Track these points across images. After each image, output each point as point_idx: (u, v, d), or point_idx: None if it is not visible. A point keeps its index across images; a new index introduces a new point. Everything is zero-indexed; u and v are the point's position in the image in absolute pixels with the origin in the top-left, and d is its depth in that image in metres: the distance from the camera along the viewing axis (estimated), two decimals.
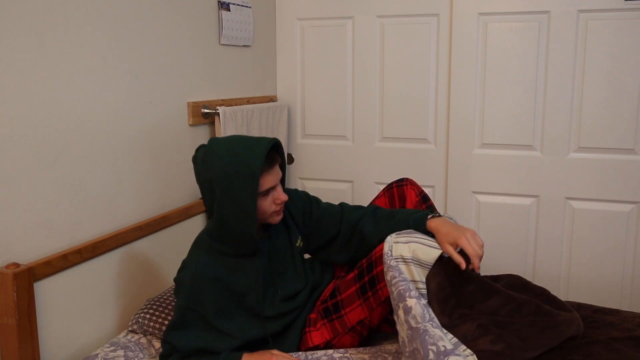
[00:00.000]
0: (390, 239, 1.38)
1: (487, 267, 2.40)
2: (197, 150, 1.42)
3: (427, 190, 2.44)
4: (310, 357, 1.41)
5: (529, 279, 2.32)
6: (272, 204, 1.40)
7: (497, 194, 2.35)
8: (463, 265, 1.33)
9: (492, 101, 2.29)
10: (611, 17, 2.09)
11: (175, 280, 1.41)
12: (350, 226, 1.57)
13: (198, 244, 1.45)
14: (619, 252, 2.21)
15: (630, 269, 2.21)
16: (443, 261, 1.37)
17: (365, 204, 2.53)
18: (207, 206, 1.41)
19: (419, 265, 1.35)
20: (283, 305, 1.47)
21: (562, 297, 2.29)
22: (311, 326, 1.51)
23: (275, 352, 1.36)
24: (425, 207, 1.65)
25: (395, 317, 1.32)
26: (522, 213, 2.32)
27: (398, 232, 1.41)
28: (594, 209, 2.23)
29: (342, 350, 1.44)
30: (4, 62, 1.29)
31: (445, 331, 1.26)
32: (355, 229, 1.56)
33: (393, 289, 1.30)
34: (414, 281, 1.34)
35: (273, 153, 1.38)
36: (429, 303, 1.33)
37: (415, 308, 1.24)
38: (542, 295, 1.45)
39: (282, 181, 1.49)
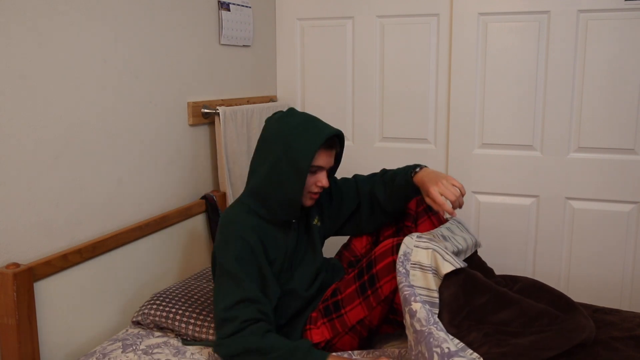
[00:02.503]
0: (410, 242, 1.37)
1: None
2: (275, 113, 1.55)
3: None
4: None
5: None
6: (313, 185, 1.49)
7: (497, 194, 2.35)
8: (445, 207, 1.44)
9: (492, 101, 2.29)
10: (611, 17, 2.09)
11: (220, 233, 1.46)
12: (368, 197, 1.69)
13: (236, 205, 1.53)
14: (619, 252, 2.21)
15: (630, 268, 2.21)
16: (458, 274, 1.35)
17: None
18: (257, 164, 1.52)
19: (436, 274, 1.34)
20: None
21: None
22: (312, 324, 1.51)
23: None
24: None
25: (404, 322, 1.31)
26: (522, 213, 2.32)
27: (419, 235, 1.40)
28: (594, 209, 2.23)
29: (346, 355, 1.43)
30: (4, 62, 1.29)
31: (450, 336, 1.24)
32: (372, 198, 1.68)
33: (400, 294, 1.30)
34: (429, 289, 1.32)
35: (334, 141, 1.51)
36: (440, 313, 1.31)
37: (420, 312, 1.23)
38: (560, 298, 1.43)
39: (332, 173, 1.63)
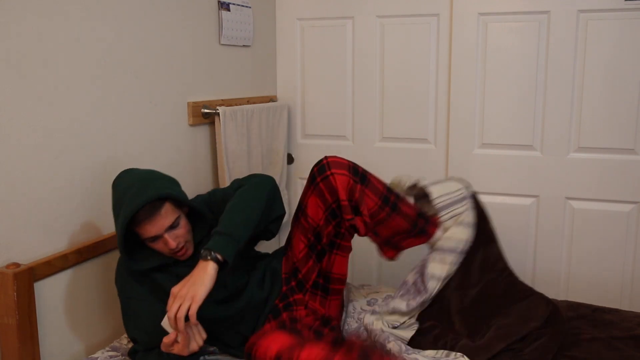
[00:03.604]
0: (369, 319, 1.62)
1: None
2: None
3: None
4: None
5: (529, 278, 2.32)
6: (164, 248, 1.37)
7: (497, 194, 2.35)
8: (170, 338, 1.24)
9: (492, 101, 2.29)
10: (611, 17, 2.09)
11: None
12: None
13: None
14: (618, 251, 2.21)
15: (630, 268, 2.21)
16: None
17: None
18: None
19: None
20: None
21: (562, 296, 2.29)
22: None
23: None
24: (359, 190, 1.50)
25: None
26: (522, 213, 2.32)
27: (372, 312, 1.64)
28: (594, 209, 2.23)
29: None
30: (4, 62, 1.29)
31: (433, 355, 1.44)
32: None
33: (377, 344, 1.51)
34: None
35: (159, 203, 1.33)
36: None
37: (393, 347, 1.45)
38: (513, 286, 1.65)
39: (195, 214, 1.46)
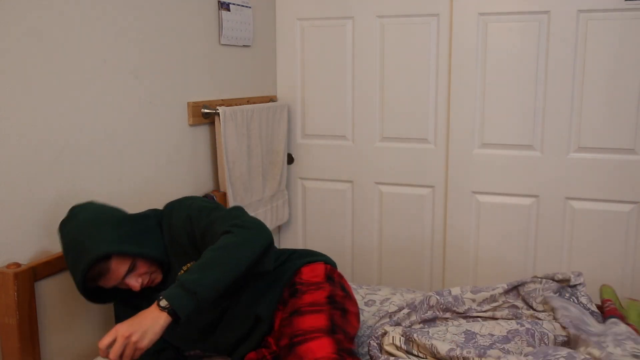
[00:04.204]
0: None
1: (487, 269, 2.40)
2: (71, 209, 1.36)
3: (426, 191, 2.44)
4: None
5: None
6: (128, 287, 1.33)
7: (497, 194, 2.35)
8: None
9: (492, 101, 2.29)
10: (611, 17, 2.09)
11: (179, 207, 1.41)
12: None
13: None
14: (619, 252, 2.22)
15: (630, 269, 2.21)
16: None
17: (365, 204, 2.53)
18: None
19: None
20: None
21: None
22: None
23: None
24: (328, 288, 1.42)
25: None
26: (522, 213, 2.32)
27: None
28: (594, 209, 2.23)
29: None
30: (4, 62, 1.29)
31: None
32: None
33: None
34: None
35: (103, 262, 1.27)
36: None
37: None
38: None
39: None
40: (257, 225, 1.32)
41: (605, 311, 1.56)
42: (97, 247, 1.25)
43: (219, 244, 1.26)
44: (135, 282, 1.32)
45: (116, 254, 1.27)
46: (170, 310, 1.15)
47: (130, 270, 1.31)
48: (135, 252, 1.30)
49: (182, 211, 1.40)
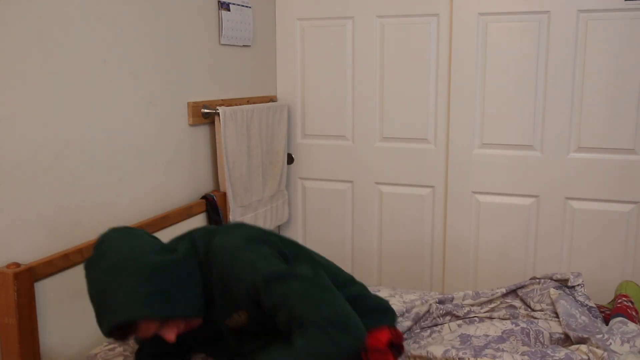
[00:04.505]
0: None
1: (487, 269, 2.40)
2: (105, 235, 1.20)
3: (426, 191, 2.45)
4: None
5: (529, 278, 2.32)
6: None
7: (497, 194, 2.35)
8: None
9: (492, 101, 2.29)
10: (611, 17, 2.09)
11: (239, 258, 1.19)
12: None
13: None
14: (619, 252, 2.22)
15: (631, 269, 2.21)
16: None
17: (365, 204, 2.53)
18: None
19: None
20: None
21: None
22: None
23: None
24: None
25: None
26: (522, 213, 2.32)
27: None
28: (594, 209, 2.23)
29: None
30: (4, 62, 1.29)
31: None
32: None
33: None
34: None
35: (130, 325, 1.12)
36: None
37: None
38: None
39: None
40: (354, 328, 1.12)
41: (614, 308, 1.54)
42: (123, 309, 1.08)
43: (308, 349, 1.08)
44: (170, 335, 1.15)
45: (142, 318, 1.11)
46: None
47: (161, 326, 1.16)
48: (166, 315, 1.13)
49: (244, 272, 1.18)
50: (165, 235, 1.84)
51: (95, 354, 1.46)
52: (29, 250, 1.37)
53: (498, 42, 2.25)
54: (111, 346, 1.51)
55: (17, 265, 1.29)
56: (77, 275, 1.50)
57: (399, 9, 2.38)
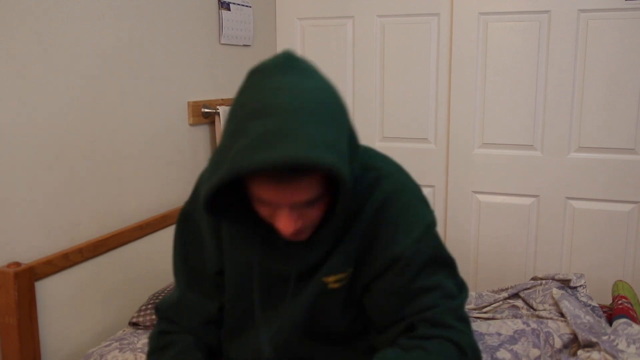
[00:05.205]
0: None
1: (487, 268, 2.40)
2: (263, 64, 0.85)
3: (427, 191, 2.44)
4: None
5: (529, 278, 2.32)
6: (271, 219, 0.89)
7: (497, 194, 2.35)
8: None
9: (492, 101, 2.29)
10: (611, 17, 2.09)
11: None
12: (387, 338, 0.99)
13: None
14: (619, 252, 2.22)
15: (631, 269, 2.21)
16: None
17: None
18: None
19: None
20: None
21: None
22: None
23: None
24: None
25: None
26: (522, 213, 2.32)
27: None
28: (594, 209, 2.23)
29: None
30: (4, 62, 1.29)
31: None
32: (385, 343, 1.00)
33: None
34: None
35: (303, 172, 0.81)
36: None
37: None
38: None
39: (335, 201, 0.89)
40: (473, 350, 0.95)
41: (615, 309, 1.53)
42: (315, 147, 0.77)
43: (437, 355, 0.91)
44: (292, 222, 0.85)
45: (325, 166, 0.77)
46: None
47: (309, 204, 0.86)
48: (347, 177, 0.81)
49: (411, 231, 0.96)
50: (166, 236, 1.84)
51: (92, 352, 1.46)
52: (29, 249, 1.37)
53: (498, 42, 2.25)
54: (108, 342, 1.51)
55: (18, 264, 1.30)
56: (77, 275, 1.50)
57: (399, 9, 2.38)
